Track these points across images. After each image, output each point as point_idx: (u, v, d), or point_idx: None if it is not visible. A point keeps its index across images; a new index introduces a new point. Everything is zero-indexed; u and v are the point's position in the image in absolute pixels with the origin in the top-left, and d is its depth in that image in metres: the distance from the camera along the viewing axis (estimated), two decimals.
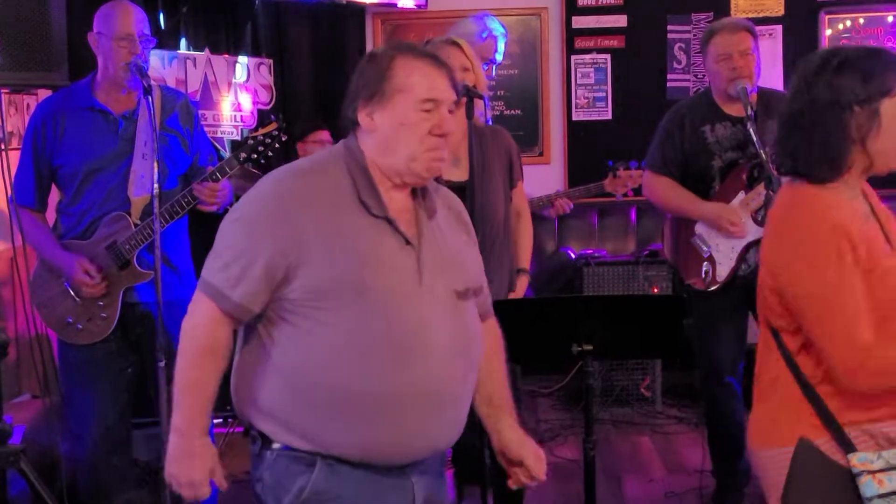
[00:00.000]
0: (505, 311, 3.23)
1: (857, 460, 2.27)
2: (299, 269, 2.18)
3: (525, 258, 3.95)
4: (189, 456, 2.29)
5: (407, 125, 2.27)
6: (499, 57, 4.68)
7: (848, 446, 2.29)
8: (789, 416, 2.38)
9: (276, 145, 3.69)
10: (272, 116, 3.81)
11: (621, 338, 3.18)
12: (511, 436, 2.57)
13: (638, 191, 4.45)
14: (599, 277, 5.68)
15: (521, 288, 3.90)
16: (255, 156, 3.66)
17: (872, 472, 2.26)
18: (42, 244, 3.73)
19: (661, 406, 5.76)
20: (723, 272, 4.09)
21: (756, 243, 4.03)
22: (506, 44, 4.83)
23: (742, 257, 4.06)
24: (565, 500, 4.46)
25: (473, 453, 4.31)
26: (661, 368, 5.77)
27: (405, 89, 2.26)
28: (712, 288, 4.10)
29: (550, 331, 3.19)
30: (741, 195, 4.04)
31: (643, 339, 3.26)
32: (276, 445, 2.28)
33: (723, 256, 4.09)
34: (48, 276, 3.73)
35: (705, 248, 4.14)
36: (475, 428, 3.80)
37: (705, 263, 4.13)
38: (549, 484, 4.62)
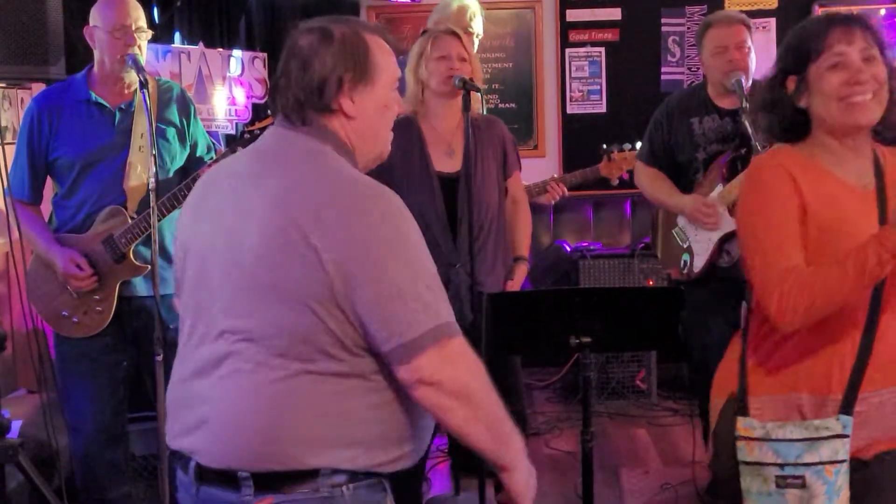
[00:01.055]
0: (502, 303, 3.25)
1: (741, 424, 2.38)
2: None
3: (524, 246, 3.95)
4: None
5: (388, 107, 2.17)
6: (476, 28, 4.62)
7: (742, 411, 2.40)
8: (729, 371, 2.53)
9: None
10: (269, 111, 3.79)
11: (619, 330, 3.18)
12: None
13: (633, 178, 4.45)
14: (595, 270, 5.69)
15: (521, 276, 3.90)
16: None
17: (748, 439, 2.36)
18: (36, 237, 3.72)
19: (657, 398, 5.78)
20: (699, 263, 4.10)
21: (734, 234, 4.05)
22: (483, 23, 4.76)
23: (719, 248, 4.07)
24: (562, 493, 4.47)
25: None
26: (657, 361, 5.78)
27: (383, 68, 2.13)
28: (690, 279, 4.12)
29: (548, 323, 3.19)
30: (719, 187, 4.05)
31: (641, 332, 3.27)
32: (356, 475, 2.03)
33: (700, 248, 4.11)
34: (44, 269, 3.72)
35: (685, 240, 4.16)
36: None
37: (684, 254, 4.15)
38: (545, 476, 4.65)
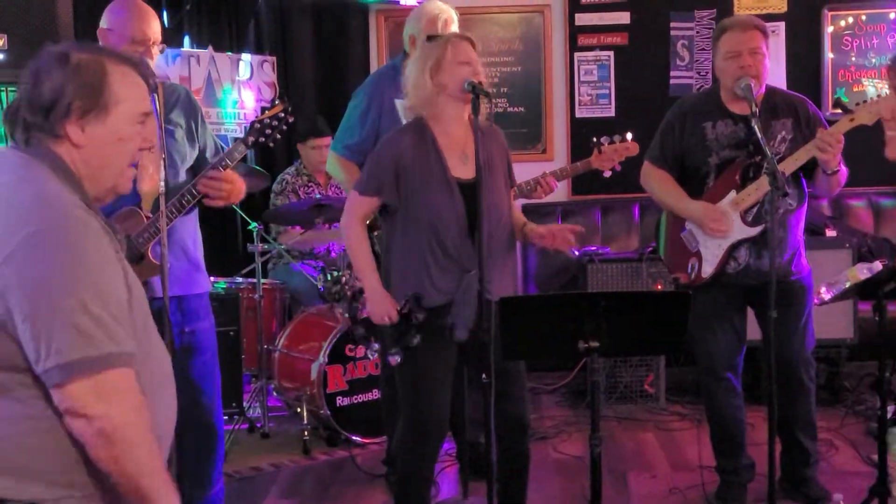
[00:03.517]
0: (511, 307, 3.24)
1: None
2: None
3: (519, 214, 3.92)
4: None
5: (124, 140, 2.08)
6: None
7: None
8: None
9: (284, 127, 3.68)
10: (277, 99, 3.77)
11: (628, 334, 3.18)
12: None
13: (627, 168, 4.43)
14: (603, 274, 5.69)
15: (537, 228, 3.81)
16: (263, 139, 3.65)
17: None
18: None
19: (665, 403, 5.77)
20: (708, 269, 4.10)
21: (744, 242, 4.04)
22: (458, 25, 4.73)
23: (729, 255, 4.07)
24: (570, 497, 4.46)
25: (479, 449, 4.33)
26: (665, 365, 5.78)
27: (122, 100, 2.06)
28: (697, 284, 4.11)
29: (557, 328, 3.18)
30: (732, 194, 4.04)
31: (649, 336, 3.26)
32: None
33: (709, 254, 4.10)
34: None
35: (693, 244, 4.15)
36: (481, 424, 3.83)
37: (692, 259, 4.14)
38: (553, 480, 4.65)
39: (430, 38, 3.64)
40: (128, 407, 1.91)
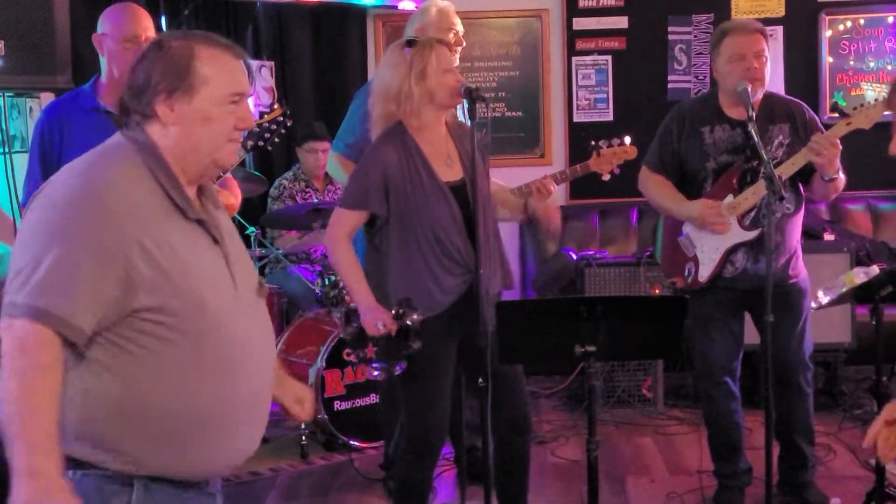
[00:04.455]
0: (508, 312, 3.25)
1: None
2: (133, 288, 2.02)
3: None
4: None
5: (213, 119, 2.17)
6: (461, 28, 4.59)
7: None
8: None
9: (283, 131, 3.68)
10: (276, 104, 3.78)
11: (624, 339, 3.18)
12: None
13: (625, 172, 4.43)
14: (601, 278, 5.69)
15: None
16: (261, 143, 3.65)
17: None
18: None
19: (663, 407, 5.76)
20: (705, 273, 4.10)
21: (741, 246, 4.04)
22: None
23: (726, 259, 4.07)
24: (568, 501, 4.47)
25: (476, 454, 4.34)
26: (663, 369, 5.78)
27: (210, 81, 2.15)
28: (694, 288, 4.12)
29: (553, 332, 3.19)
30: (729, 198, 4.04)
31: (646, 340, 3.27)
32: (79, 470, 2.04)
33: (706, 258, 4.10)
34: None
35: (691, 249, 4.15)
36: (478, 429, 3.83)
37: (689, 263, 4.15)
38: (551, 484, 4.65)
39: (409, 43, 3.61)
40: (20, 351, 1.94)
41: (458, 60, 4.51)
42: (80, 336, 1.98)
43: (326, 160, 4.96)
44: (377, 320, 3.42)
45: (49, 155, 3.70)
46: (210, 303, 2.09)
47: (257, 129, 3.63)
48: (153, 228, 2.05)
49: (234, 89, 2.19)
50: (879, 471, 3.83)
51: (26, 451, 1.90)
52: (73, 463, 2.01)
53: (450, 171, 3.57)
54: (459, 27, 4.51)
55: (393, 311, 3.42)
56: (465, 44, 4.63)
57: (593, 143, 4.40)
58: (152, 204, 2.09)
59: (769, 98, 4.11)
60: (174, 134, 2.15)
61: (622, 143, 4.40)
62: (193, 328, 2.07)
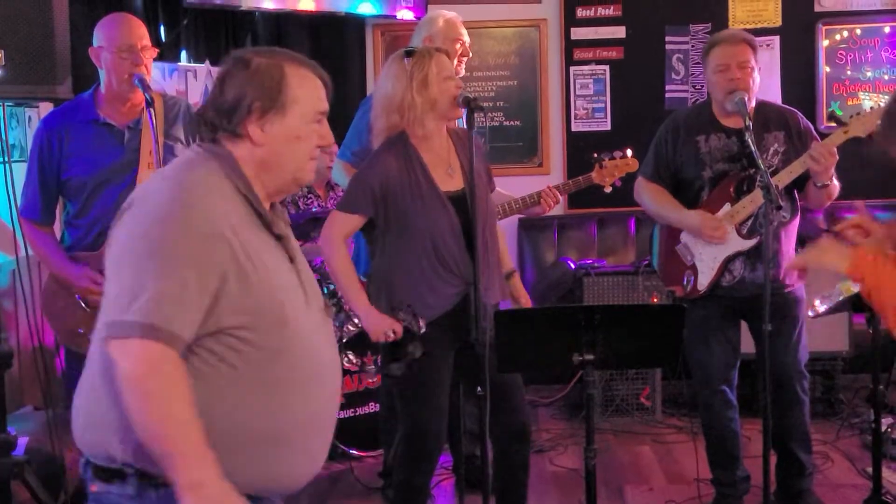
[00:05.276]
0: (506, 321, 3.26)
1: None
2: (223, 302, 2.02)
3: (508, 258, 3.98)
4: None
5: (301, 139, 2.18)
6: (467, 38, 4.61)
7: None
8: None
9: None
10: None
11: (622, 347, 3.19)
12: None
13: (623, 181, 4.44)
14: (599, 287, 5.70)
15: (522, 288, 3.95)
16: None
17: None
18: (50, 257, 3.75)
19: (661, 416, 5.77)
20: (704, 281, 4.11)
21: (739, 255, 4.06)
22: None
23: (724, 268, 4.08)
24: None
25: (475, 462, 4.34)
26: (661, 378, 5.78)
27: (299, 101, 2.17)
28: (693, 297, 4.13)
29: (551, 341, 3.20)
30: (727, 207, 4.06)
31: (644, 349, 3.27)
32: (161, 484, 2.01)
33: (705, 266, 4.12)
34: (58, 287, 3.74)
35: (689, 257, 4.16)
36: (476, 437, 3.84)
37: (688, 272, 4.16)
38: (550, 493, 4.66)
39: (407, 53, 3.62)
40: (154, 370, 1.93)
41: (463, 71, 4.54)
42: (184, 350, 1.98)
43: (327, 167, 4.96)
44: (380, 326, 3.42)
45: (48, 165, 3.71)
46: (290, 320, 2.10)
47: None
48: (246, 242, 2.06)
49: (320, 108, 2.21)
50: (877, 479, 3.84)
51: (184, 466, 1.91)
52: (148, 479, 2.01)
53: (450, 180, 3.58)
54: (466, 38, 4.53)
55: (398, 317, 3.43)
56: (471, 54, 4.65)
57: (595, 155, 4.42)
58: (243, 218, 2.10)
59: (762, 106, 4.13)
60: (261, 152, 2.16)
61: (624, 156, 4.42)
62: (273, 345, 2.07)
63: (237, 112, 2.13)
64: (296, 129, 2.17)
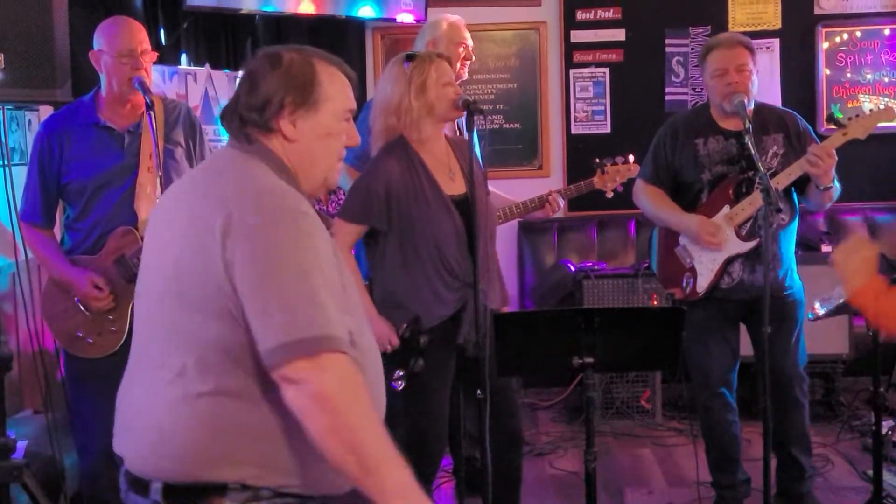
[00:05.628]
0: (506, 323, 3.26)
1: None
2: None
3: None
4: None
5: (332, 136, 2.19)
6: (471, 42, 4.62)
7: None
8: None
9: None
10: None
11: (622, 350, 3.19)
12: None
13: (628, 186, 4.45)
14: (599, 290, 5.70)
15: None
16: None
17: None
18: (50, 261, 3.75)
19: (662, 418, 5.77)
20: (703, 283, 4.11)
21: (739, 257, 4.06)
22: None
23: (723, 270, 4.08)
24: None
25: (475, 464, 4.34)
26: (661, 381, 5.78)
27: (330, 97, 2.17)
28: (692, 299, 4.13)
29: (551, 343, 3.20)
30: (726, 209, 4.06)
31: (644, 352, 3.27)
32: (264, 492, 2.01)
33: (704, 268, 4.12)
34: (58, 291, 3.74)
35: (688, 259, 4.17)
36: (475, 440, 3.83)
37: (686, 274, 4.16)
38: (549, 496, 4.65)
39: (408, 57, 3.62)
40: (349, 382, 1.93)
41: (466, 74, 4.54)
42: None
43: None
44: (383, 336, 3.41)
45: (48, 169, 3.71)
46: (364, 322, 2.14)
47: None
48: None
49: (349, 105, 2.21)
50: (877, 482, 3.83)
51: (389, 472, 1.91)
52: (248, 490, 1.99)
53: (453, 184, 3.58)
54: (470, 41, 4.53)
55: (402, 329, 3.41)
56: (474, 58, 4.66)
57: (597, 160, 4.43)
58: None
59: (761, 109, 4.13)
60: (294, 149, 2.15)
61: (626, 161, 4.42)
62: (364, 345, 2.10)
63: (269, 108, 2.12)
64: (327, 126, 2.17)
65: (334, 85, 2.18)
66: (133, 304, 3.68)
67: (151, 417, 2.03)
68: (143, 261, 2.19)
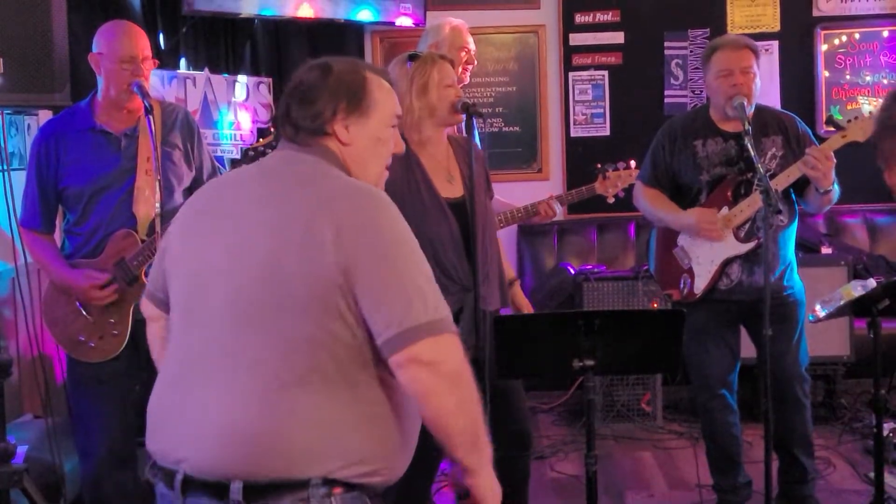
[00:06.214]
0: (506, 326, 3.25)
1: None
2: None
3: (510, 267, 4.00)
4: None
5: (382, 141, 2.28)
6: (473, 45, 4.63)
7: None
8: None
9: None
10: (272, 126, 3.79)
11: (622, 353, 3.18)
12: None
13: (629, 191, 4.45)
14: (599, 292, 5.69)
15: (524, 297, 3.97)
16: None
17: None
18: (50, 265, 3.74)
19: (663, 421, 5.76)
20: (700, 285, 4.11)
21: (737, 258, 4.05)
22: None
23: (721, 272, 4.08)
24: None
25: None
26: (662, 384, 5.78)
27: (379, 104, 2.26)
28: (689, 301, 4.13)
29: (551, 346, 3.19)
30: (724, 210, 4.06)
31: (644, 354, 3.27)
32: (344, 485, 2.05)
33: (702, 270, 4.12)
34: (59, 295, 3.74)
35: (686, 261, 4.17)
36: None
37: (684, 275, 4.16)
38: (550, 500, 4.65)
39: (411, 57, 3.62)
40: (466, 363, 2.06)
41: (468, 78, 4.54)
42: None
43: None
44: None
45: (47, 174, 3.71)
46: None
47: (252, 153, 3.64)
48: None
49: (397, 111, 2.31)
50: (879, 484, 3.83)
51: (489, 447, 2.13)
52: (329, 483, 2.02)
53: (450, 187, 3.57)
54: (472, 46, 4.53)
55: None
56: (476, 63, 4.65)
57: (599, 166, 4.43)
58: None
59: (760, 111, 4.13)
60: (349, 152, 2.23)
61: (627, 167, 4.43)
62: None
63: (324, 114, 2.20)
64: (378, 132, 2.26)
65: (382, 91, 2.27)
66: (133, 307, 3.70)
67: (232, 417, 2.02)
68: (195, 263, 2.16)
